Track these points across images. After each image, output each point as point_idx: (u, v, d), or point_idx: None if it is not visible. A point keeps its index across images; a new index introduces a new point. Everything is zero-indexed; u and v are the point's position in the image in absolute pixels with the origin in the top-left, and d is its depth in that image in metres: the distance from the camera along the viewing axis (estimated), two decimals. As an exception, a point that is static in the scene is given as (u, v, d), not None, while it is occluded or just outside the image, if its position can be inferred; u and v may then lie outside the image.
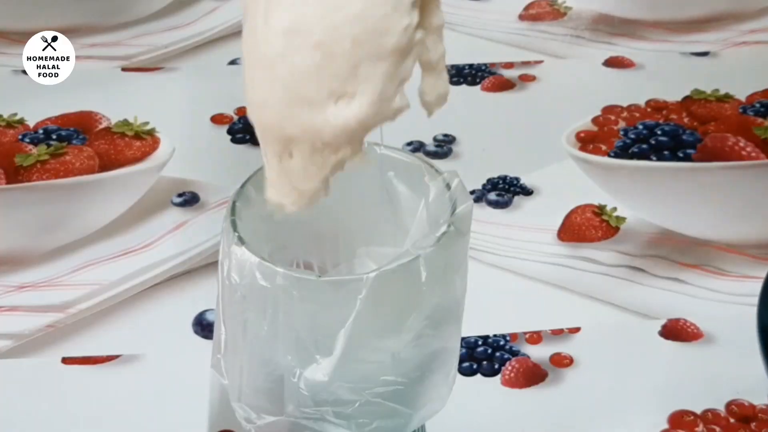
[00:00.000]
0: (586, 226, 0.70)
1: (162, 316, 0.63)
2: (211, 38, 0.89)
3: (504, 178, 0.74)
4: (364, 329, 0.38)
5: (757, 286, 0.64)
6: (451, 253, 0.40)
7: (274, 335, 0.40)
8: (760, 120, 0.79)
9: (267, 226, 0.42)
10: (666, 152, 0.76)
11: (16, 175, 0.74)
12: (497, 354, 0.60)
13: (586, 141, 0.78)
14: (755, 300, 0.63)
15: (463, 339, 0.48)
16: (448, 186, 0.42)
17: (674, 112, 0.81)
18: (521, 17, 0.93)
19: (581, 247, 0.68)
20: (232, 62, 0.87)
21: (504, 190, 0.73)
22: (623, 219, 0.70)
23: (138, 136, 0.78)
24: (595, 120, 0.80)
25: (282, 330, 0.39)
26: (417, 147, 0.76)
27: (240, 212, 0.41)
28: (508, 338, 0.61)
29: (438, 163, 0.45)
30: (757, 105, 0.81)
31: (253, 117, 0.38)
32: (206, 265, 0.67)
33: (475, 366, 0.59)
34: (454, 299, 0.41)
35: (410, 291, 0.39)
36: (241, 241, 0.39)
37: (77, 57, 0.76)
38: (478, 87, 0.84)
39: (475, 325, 0.60)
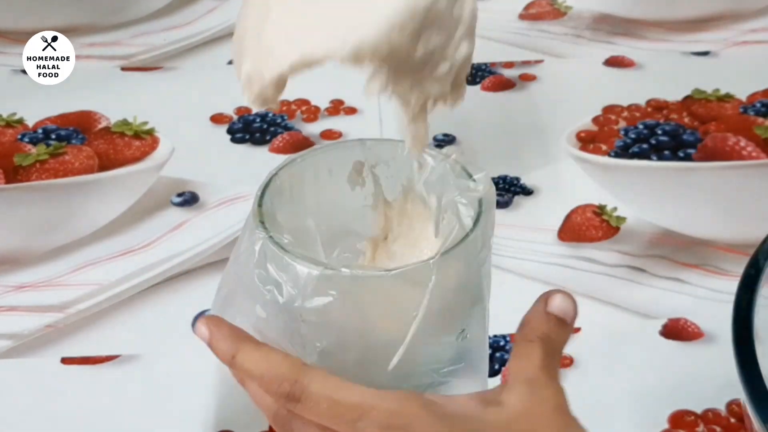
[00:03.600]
0: (587, 226, 0.70)
1: (161, 316, 0.63)
2: (210, 38, 0.89)
3: (504, 178, 0.73)
4: (433, 312, 0.39)
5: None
6: (489, 223, 0.41)
7: (343, 346, 0.40)
8: (760, 119, 0.79)
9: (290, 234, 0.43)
10: (666, 152, 0.76)
11: (15, 174, 0.74)
12: (497, 354, 0.59)
13: (587, 141, 0.77)
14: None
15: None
16: (457, 162, 0.43)
17: (675, 112, 0.81)
18: (521, 17, 0.93)
19: (581, 247, 0.68)
20: (232, 62, 0.87)
21: (504, 190, 0.72)
22: (623, 219, 0.70)
23: (137, 135, 0.77)
24: (595, 120, 0.80)
25: (351, 336, 0.39)
26: (417, 147, 0.76)
27: (270, 226, 0.41)
28: (508, 338, 0.60)
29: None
30: (758, 105, 0.81)
31: None
32: (206, 265, 0.66)
33: (475, 366, 0.59)
34: (488, 263, 0.42)
35: (469, 265, 0.40)
36: (294, 256, 0.39)
37: (76, 56, 0.76)
38: (478, 86, 0.84)
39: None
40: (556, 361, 0.41)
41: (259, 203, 0.42)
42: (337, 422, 0.39)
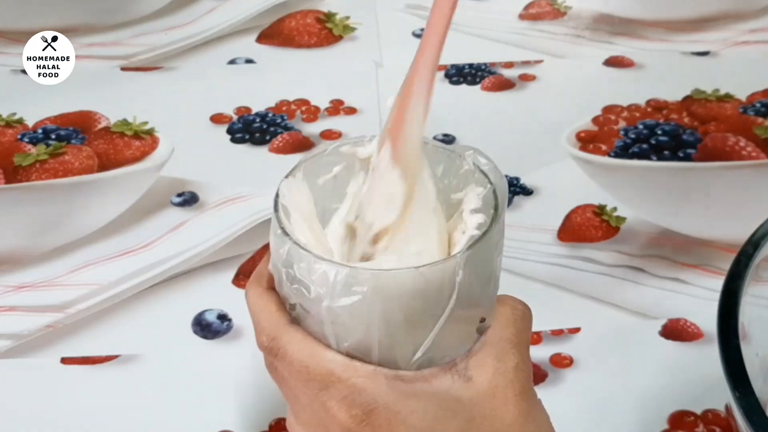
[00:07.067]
0: (586, 226, 0.70)
1: (161, 316, 0.63)
2: (210, 38, 0.89)
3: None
4: (459, 305, 0.39)
5: (758, 286, 0.64)
6: (504, 213, 0.42)
7: (369, 344, 0.40)
8: (760, 120, 0.79)
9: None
10: (666, 152, 0.76)
11: (15, 174, 0.74)
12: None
13: (587, 141, 0.78)
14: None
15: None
16: (461, 156, 0.44)
17: (674, 112, 0.81)
18: (521, 17, 0.93)
19: (581, 247, 0.68)
20: (232, 62, 0.87)
21: (504, 190, 0.72)
22: (623, 219, 0.70)
23: (137, 135, 0.77)
24: (595, 120, 0.80)
25: (377, 333, 0.39)
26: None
27: (286, 224, 0.41)
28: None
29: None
30: (758, 105, 0.81)
31: None
32: (206, 265, 0.66)
33: (474, 366, 0.59)
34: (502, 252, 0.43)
35: (491, 255, 0.41)
36: (321, 256, 0.39)
37: (76, 56, 0.77)
38: (478, 87, 0.84)
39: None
40: (527, 331, 0.43)
41: (276, 207, 0.42)
42: (305, 386, 0.40)
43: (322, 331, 0.40)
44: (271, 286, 0.43)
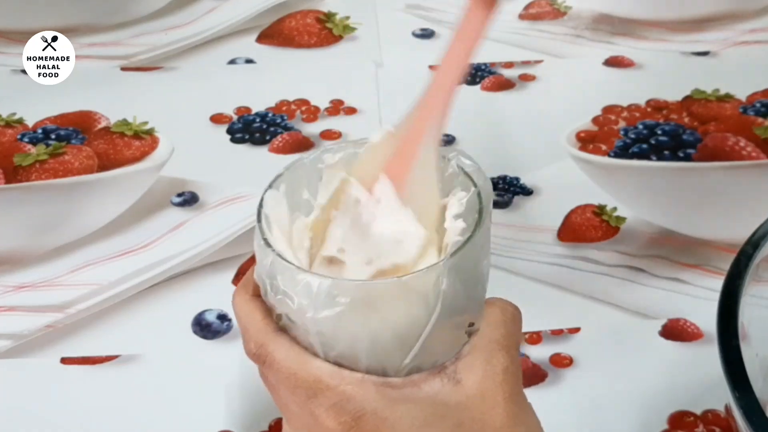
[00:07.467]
0: (586, 226, 0.70)
1: (161, 316, 0.63)
2: (210, 38, 0.89)
3: (504, 178, 0.74)
4: (445, 312, 0.39)
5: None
6: (489, 217, 0.42)
7: (356, 353, 0.40)
8: (760, 120, 0.79)
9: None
10: (666, 152, 0.76)
11: (15, 174, 0.74)
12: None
13: (586, 141, 0.78)
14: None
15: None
16: (446, 158, 0.43)
17: (674, 112, 0.81)
18: (521, 16, 0.93)
19: (581, 247, 0.68)
20: (232, 62, 0.87)
21: (504, 190, 0.72)
22: (623, 219, 0.70)
23: (137, 135, 0.77)
24: (595, 120, 0.80)
25: (363, 343, 0.39)
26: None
27: (269, 235, 0.41)
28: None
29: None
30: (758, 105, 0.81)
31: None
32: (206, 265, 0.66)
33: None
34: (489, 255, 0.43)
35: (477, 260, 0.40)
36: (300, 268, 0.39)
37: (76, 56, 0.77)
38: (478, 86, 0.84)
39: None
40: (517, 333, 0.42)
41: (259, 218, 0.41)
42: (293, 394, 0.40)
43: (309, 340, 0.40)
44: (257, 294, 0.42)
